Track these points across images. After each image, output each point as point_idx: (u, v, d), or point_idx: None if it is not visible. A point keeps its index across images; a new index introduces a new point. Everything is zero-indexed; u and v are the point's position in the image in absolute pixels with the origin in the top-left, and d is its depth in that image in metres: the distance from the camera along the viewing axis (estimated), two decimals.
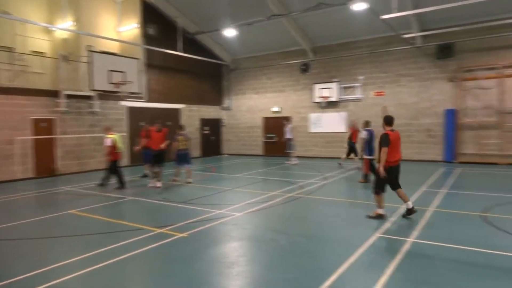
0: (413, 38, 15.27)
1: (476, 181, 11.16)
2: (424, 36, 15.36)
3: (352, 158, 13.87)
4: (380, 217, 6.75)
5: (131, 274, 4.65)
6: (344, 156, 14.26)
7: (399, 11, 11.37)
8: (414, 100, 16.16)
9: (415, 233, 5.85)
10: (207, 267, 4.70)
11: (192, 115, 19.80)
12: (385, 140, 6.48)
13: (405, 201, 6.77)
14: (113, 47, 15.61)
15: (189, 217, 7.08)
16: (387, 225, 6.33)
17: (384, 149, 6.45)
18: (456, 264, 4.64)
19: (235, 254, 5.23)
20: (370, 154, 10.28)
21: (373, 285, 4.01)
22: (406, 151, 16.22)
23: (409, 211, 6.71)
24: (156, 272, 4.57)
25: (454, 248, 5.20)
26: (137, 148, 12.20)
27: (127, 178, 11.69)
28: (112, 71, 13.32)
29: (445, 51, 15.10)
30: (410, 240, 5.51)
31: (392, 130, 6.68)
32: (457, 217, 6.90)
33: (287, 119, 17.50)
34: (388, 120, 6.80)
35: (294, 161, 16.25)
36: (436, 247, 5.24)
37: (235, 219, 7.00)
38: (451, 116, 15.11)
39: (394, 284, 4.06)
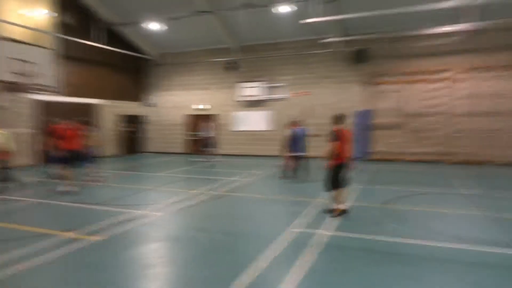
0: (332, 42, 16.29)
1: (384, 177, 12.30)
2: (343, 41, 16.48)
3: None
4: (343, 213, 6.81)
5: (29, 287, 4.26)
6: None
7: (321, 16, 12.03)
8: (334, 100, 17.25)
9: (327, 225, 6.28)
10: (123, 271, 4.53)
11: (112, 111, 18.75)
12: (338, 136, 6.67)
13: (342, 202, 6.95)
14: (22, 35, 14.05)
15: (105, 219, 6.72)
16: (304, 219, 6.70)
17: (335, 144, 6.66)
18: (362, 252, 5.09)
19: (154, 255, 5.12)
20: (295, 152, 10.81)
21: (287, 277, 4.23)
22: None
23: (342, 212, 6.82)
24: (62, 281, 4.26)
25: (361, 237, 5.70)
26: (44, 147, 10.92)
27: (30, 179, 10.66)
28: (16, 59, 12.00)
29: (360, 56, 16.40)
30: (322, 232, 5.90)
31: (343, 128, 6.88)
32: (366, 209, 7.55)
33: (209, 117, 17.52)
34: (339, 118, 6.96)
35: (216, 159, 16.35)
36: (346, 238, 5.69)
37: (155, 219, 6.83)
38: (365, 116, 16.44)
39: (306, 275, 4.33)
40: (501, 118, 14.69)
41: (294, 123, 11.18)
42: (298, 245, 5.30)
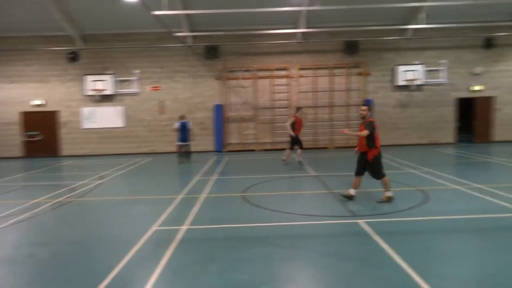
0: (184, 37, 16.20)
1: (239, 167, 13.01)
2: (194, 36, 16.57)
3: (296, 149, 12.29)
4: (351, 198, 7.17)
5: None
6: (287, 150, 12.50)
7: (169, 9, 11.76)
8: (188, 95, 17.25)
9: (188, 220, 6.26)
10: None
11: None
12: (375, 126, 6.96)
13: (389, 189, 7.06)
14: None
15: None
16: (163, 216, 6.50)
17: (376, 134, 6.96)
18: (224, 241, 5.25)
19: None
20: (182, 141, 13.33)
21: (148, 279, 4.02)
22: None
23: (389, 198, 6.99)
24: None
25: (222, 227, 5.88)
26: None
27: None
28: None
29: (211, 52, 16.80)
30: (185, 227, 5.84)
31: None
32: (224, 200, 7.83)
33: (51, 114, 15.27)
34: (370, 108, 7.40)
35: (64, 161, 14.46)
36: (207, 230, 5.77)
37: None
38: (219, 110, 17.01)
39: (168, 273, 4.20)
40: (335, 109, 17.28)
41: (181, 117, 13.52)
42: (160, 244, 5.11)
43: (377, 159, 6.99)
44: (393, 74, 17.13)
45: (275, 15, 14.95)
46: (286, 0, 13.43)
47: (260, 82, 17.22)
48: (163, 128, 17.19)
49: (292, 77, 17.18)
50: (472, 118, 17.89)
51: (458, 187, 8.23)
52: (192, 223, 6.08)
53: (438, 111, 17.40)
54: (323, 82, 17.21)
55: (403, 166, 11.41)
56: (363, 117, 7.10)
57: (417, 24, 15.33)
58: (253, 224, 5.98)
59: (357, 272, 4.16)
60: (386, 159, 12.71)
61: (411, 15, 15.92)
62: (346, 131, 7.52)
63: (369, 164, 7.03)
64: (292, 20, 16.04)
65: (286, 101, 17.23)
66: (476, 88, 17.20)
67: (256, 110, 17.25)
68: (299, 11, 14.58)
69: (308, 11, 14.00)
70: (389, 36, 16.60)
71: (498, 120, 17.48)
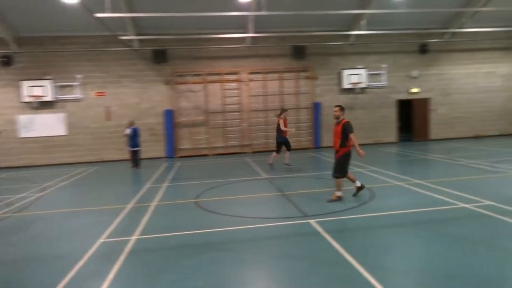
0: (130, 40, 15.67)
1: (192, 172, 12.81)
2: (141, 40, 16.08)
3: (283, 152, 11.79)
4: (361, 188, 7.62)
5: None
6: (274, 153, 11.80)
7: (113, 11, 11.32)
8: (136, 100, 16.68)
9: (138, 230, 6.03)
10: None
11: None
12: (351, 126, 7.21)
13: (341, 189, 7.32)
14: None
15: None
16: (111, 228, 6.21)
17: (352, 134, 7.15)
18: (176, 249, 5.12)
19: None
20: (134, 147, 13.56)
21: None
22: None
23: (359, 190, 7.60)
24: None
25: (174, 235, 5.73)
26: None
27: None
28: None
29: (160, 56, 16.41)
30: (134, 238, 5.62)
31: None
32: (176, 207, 7.66)
33: None
34: (344, 109, 7.44)
35: None
36: (158, 239, 5.60)
37: None
38: (169, 115, 16.65)
39: (117, 285, 4.01)
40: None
41: (131, 123, 13.78)
42: (108, 257, 4.87)
43: (344, 157, 7.32)
44: (339, 77, 17.85)
45: (224, 20, 14.95)
46: (235, 4, 13.50)
47: (211, 86, 17.11)
48: (111, 135, 16.47)
49: (243, 81, 17.27)
50: (411, 118, 19.14)
51: (400, 183, 8.74)
52: (142, 233, 5.86)
53: (381, 112, 18.40)
54: (273, 85, 17.50)
55: (351, 165, 11.88)
56: (337, 118, 7.34)
57: (359, 30, 16.14)
58: (207, 230, 5.90)
59: (309, 270, 4.25)
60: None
61: (354, 21, 16.72)
62: (361, 153, 7.22)
63: (336, 160, 7.37)
64: (241, 24, 16.15)
65: (237, 105, 17.28)
66: (414, 90, 18.45)
67: (207, 114, 17.11)
68: (247, 16, 14.73)
69: (256, 16, 14.19)
70: (334, 41, 17.30)
71: (434, 120, 18.87)
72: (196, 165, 14.26)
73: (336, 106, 7.43)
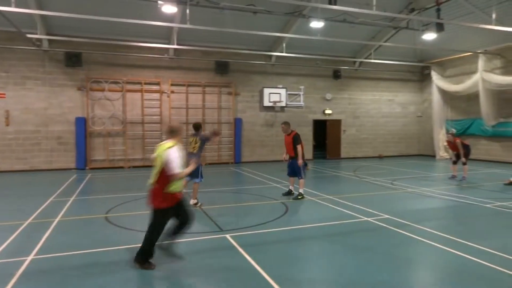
0: (39, 39, 14.33)
1: (104, 185, 11.98)
2: (51, 40, 14.80)
3: None
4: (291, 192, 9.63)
5: None
6: None
7: (18, 6, 10.26)
8: (43, 105, 15.18)
9: (36, 248, 5.43)
10: None
11: None
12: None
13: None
14: None
15: None
16: (1, 247, 5.48)
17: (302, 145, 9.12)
18: (79, 269, 4.69)
19: None
20: None
21: None
22: (35, 160, 15.03)
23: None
24: None
25: (78, 254, 5.27)
26: None
27: None
28: None
29: (73, 60, 15.21)
30: (29, 258, 5.04)
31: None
32: (83, 222, 7.07)
33: None
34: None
35: None
36: (58, 258, 5.09)
37: None
38: (82, 124, 15.45)
39: None
40: (207, 126, 17.52)
41: None
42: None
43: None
44: (260, 95, 18.47)
45: (147, 28, 14.50)
46: (159, 14, 13.23)
47: (129, 95, 16.37)
48: (10, 142, 14.69)
49: (164, 92, 16.87)
50: (325, 137, 20.53)
51: (313, 198, 9.26)
52: (39, 252, 5.28)
53: (298, 131, 19.16)
54: (195, 99, 17.39)
55: (269, 180, 12.28)
56: (286, 131, 9.20)
57: (280, 52, 17.00)
58: (118, 247, 5.54)
59: (222, 285, 4.24)
60: (254, 175, 13.51)
61: (275, 43, 17.57)
62: (300, 162, 9.05)
63: (297, 166, 9.10)
64: (164, 35, 15.87)
65: (157, 117, 16.76)
66: (327, 111, 19.89)
67: (125, 124, 16.27)
68: (172, 27, 14.54)
69: (181, 28, 14.08)
70: (257, 60, 17.93)
71: (344, 140, 20.50)
72: (110, 178, 13.39)
73: (283, 123, 9.36)
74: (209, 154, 17.47)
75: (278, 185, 11.29)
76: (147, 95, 16.61)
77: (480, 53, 17.15)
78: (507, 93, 16.72)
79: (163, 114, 16.83)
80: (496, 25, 12.75)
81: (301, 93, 19.04)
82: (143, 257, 4.75)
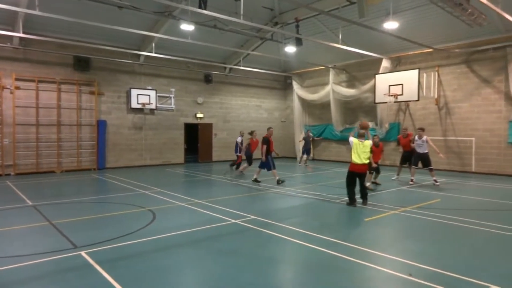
0: None
1: None
2: None
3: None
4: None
5: None
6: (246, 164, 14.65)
7: None
8: None
9: None
10: None
11: None
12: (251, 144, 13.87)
13: None
14: None
15: None
16: None
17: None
18: None
19: None
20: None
21: None
22: None
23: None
24: None
25: None
26: None
27: None
28: None
29: None
30: None
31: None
32: None
33: None
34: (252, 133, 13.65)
35: None
36: None
37: None
38: None
39: None
40: (64, 129, 15.48)
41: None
42: None
43: (271, 157, 12.30)
44: (128, 96, 17.30)
45: None
46: None
47: None
48: None
49: (6, 88, 14.25)
50: (197, 141, 20.48)
51: (183, 203, 9.02)
52: None
53: (169, 134, 18.88)
54: (48, 97, 15.21)
55: (136, 187, 11.51)
56: (263, 137, 12.31)
57: (150, 52, 16.24)
58: None
59: None
60: (120, 182, 12.50)
61: (144, 43, 16.73)
62: (264, 159, 12.20)
63: (268, 161, 12.22)
64: (7, 20, 13.42)
65: None
66: (199, 115, 19.91)
67: None
68: (16, 12, 12.38)
69: (29, 14, 12.10)
70: (123, 59, 16.76)
71: (215, 143, 20.84)
72: None
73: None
74: (65, 160, 15.51)
75: (146, 192, 10.67)
76: None
77: (330, 67, 19.67)
78: (351, 104, 19.61)
79: (5, 113, 14.21)
80: (342, 44, 14.77)
81: (172, 95, 18.61)
82: None
